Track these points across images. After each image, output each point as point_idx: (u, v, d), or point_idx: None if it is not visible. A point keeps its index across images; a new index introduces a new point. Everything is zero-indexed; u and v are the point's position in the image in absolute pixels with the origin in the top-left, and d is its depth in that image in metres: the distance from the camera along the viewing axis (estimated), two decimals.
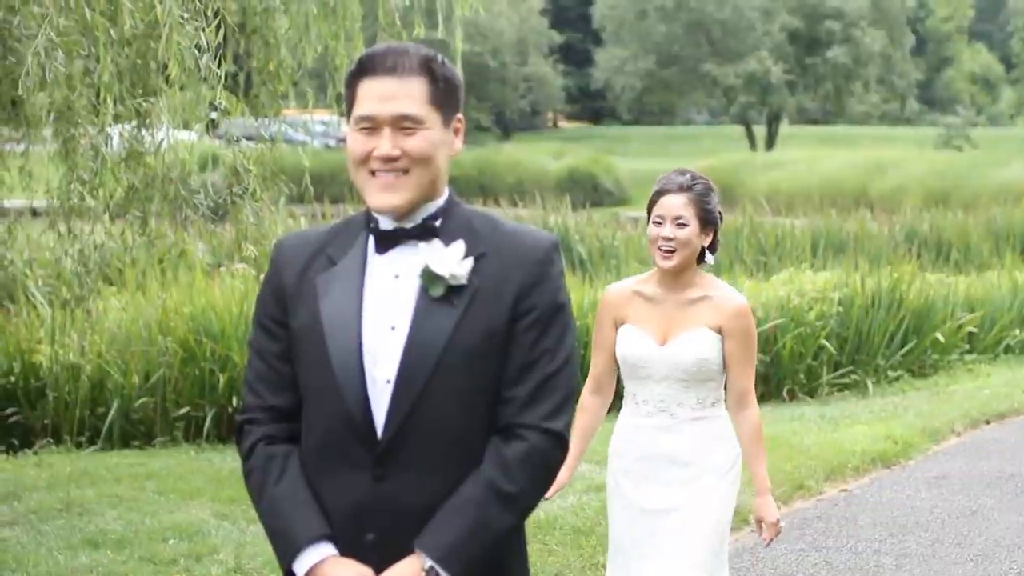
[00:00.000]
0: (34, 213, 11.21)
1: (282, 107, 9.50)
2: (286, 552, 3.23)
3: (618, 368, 5.43)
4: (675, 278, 5.25)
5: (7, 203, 10.98)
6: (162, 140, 8.35)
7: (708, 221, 5.22)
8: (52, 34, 6.99)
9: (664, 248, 5.19)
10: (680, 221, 5.17)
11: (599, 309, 5.49)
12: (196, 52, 7.29)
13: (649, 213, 5.30)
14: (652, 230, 5.26)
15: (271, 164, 9.26)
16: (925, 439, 11.33)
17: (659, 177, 5.35)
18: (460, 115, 3.33)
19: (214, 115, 9.25)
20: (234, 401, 11.27)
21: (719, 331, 5.23)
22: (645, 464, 5.32)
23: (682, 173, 5.28)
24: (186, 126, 8.93)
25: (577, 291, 13.34)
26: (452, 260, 3.23)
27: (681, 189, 5.20)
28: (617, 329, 5.35)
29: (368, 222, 3.32)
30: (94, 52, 7.77)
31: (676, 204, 5.19)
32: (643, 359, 5.26)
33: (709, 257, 5.30)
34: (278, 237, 3.59)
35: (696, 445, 5.28)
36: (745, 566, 8.06)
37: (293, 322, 3.31)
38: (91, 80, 8.09)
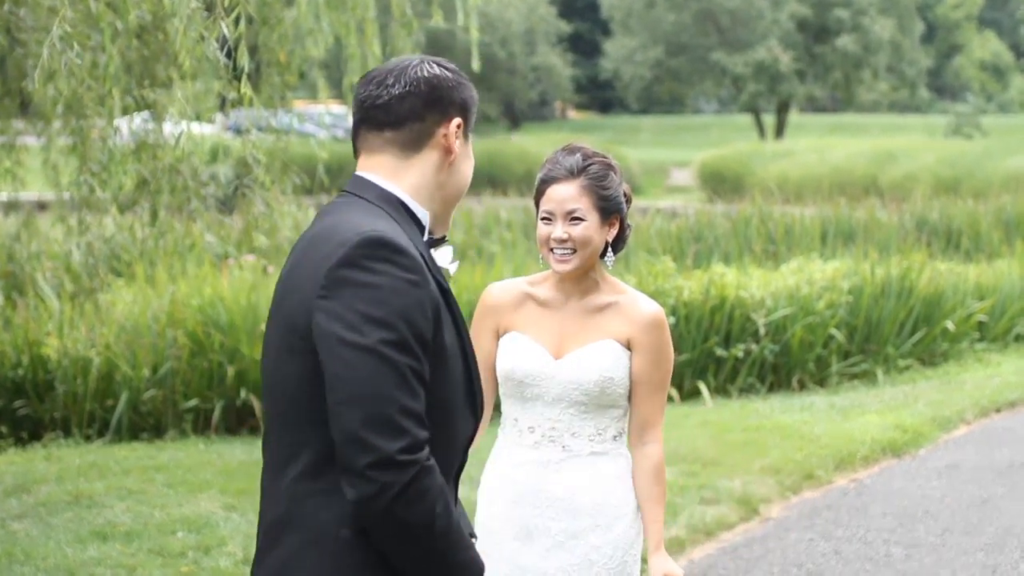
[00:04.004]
0: (41, 207, 11.23)
1: (292, 98, 9.50)
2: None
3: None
4: (575, 282, 4.34)
5: (16, 196, 10.99)
6: (181, 133, 8.34)
7: (609, 210, 4.28)
8: (67, 27, 6.98)
9: (558, 251, 4.27)
10: (574, 216, 4.24)
11: (476, 313, 4.46)
12: (215, 43, 7.28)
13: (537, 206, 4.35)
14: (541, 229, 4.30)
15: (281, 155, 9.26)
16: (935, 428, 11.30)
17: (545, 159, 4.38)
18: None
19: (223, 108, 9.26)
20: (242, 393, 11.26)
21: (628, 345, 4.31)
22: (526, 511, 4.35)
23: (571, 152, 4.31)
24: (197, 118, 8.92)
25: None
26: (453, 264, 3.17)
27: (571, 175, 4.26)
28: (499, 338, 4.40)
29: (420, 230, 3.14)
30: (100, 43, 7.77)
31: (567, 195, 4.24)
32: (533, 374, 4.30)
33: (610, 257, 4.34)
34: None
35: (592, 487, 4.31)
36: (755, 557, 8.04)
37: (442, 340, 2.98)
38: (99, 72, 8.09)
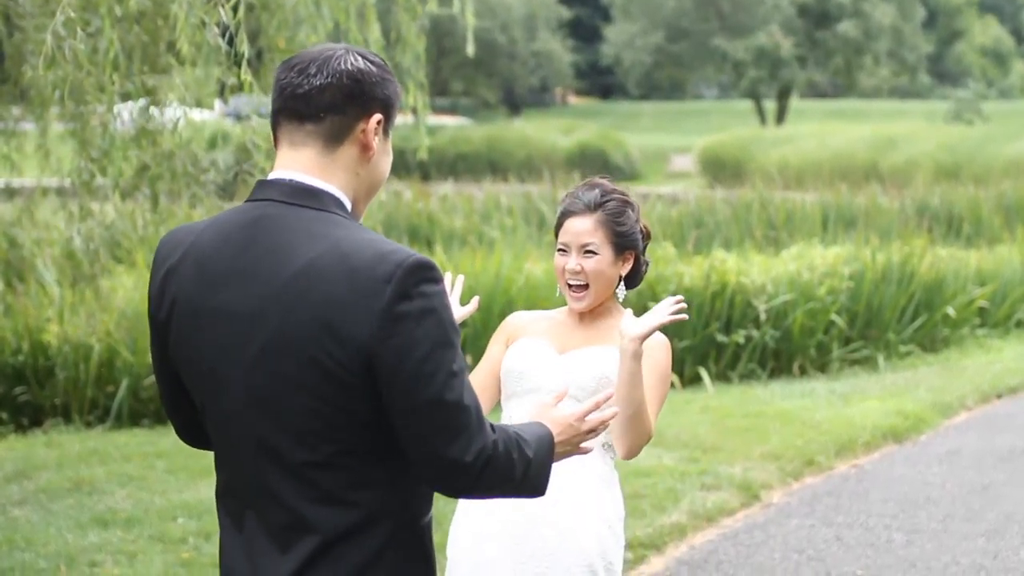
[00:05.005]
0: (43, 193, 11.22)
1: None
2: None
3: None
4: (590, 311, 4.45)
5: (18, 182, 10.97)
6: (179, 119, 8.33)
7: (623, 246, 4.39)
8: (71, 12, 6.96)
9: (572, 284, 4.38)
10: (588, 249, 4.35)
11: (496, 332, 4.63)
12: (216, 28, 7.26)
13: (556, 237, 4.47)
14: (557, 260, 4.42)
15: None
16: (936, 414, 11.31)
17: (564, 194, 4.54)
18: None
19: (223, 94, 9.24)
20: None
21: None
22: (506, 515, 4.28)
23: (591, 187, 4.45)
24: (197, 104, 8.90)
25: None
26: None
27: (589, 209, 4.38)
28: (508, 347, 4.50)
29: None
30: (100, 29, 7.75)
31: (582, 228, 4.36)
32: (534, 365, 4.38)
33: (620, 292, 4.43)
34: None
35: (574, 485, 4.28)
36: (756, 542, 8.04)
37: None
38: (98, 58, 8.07)
